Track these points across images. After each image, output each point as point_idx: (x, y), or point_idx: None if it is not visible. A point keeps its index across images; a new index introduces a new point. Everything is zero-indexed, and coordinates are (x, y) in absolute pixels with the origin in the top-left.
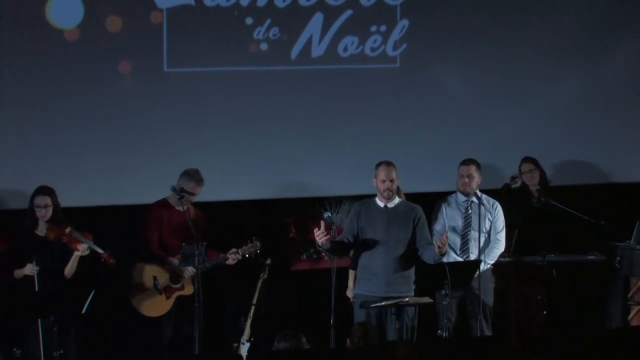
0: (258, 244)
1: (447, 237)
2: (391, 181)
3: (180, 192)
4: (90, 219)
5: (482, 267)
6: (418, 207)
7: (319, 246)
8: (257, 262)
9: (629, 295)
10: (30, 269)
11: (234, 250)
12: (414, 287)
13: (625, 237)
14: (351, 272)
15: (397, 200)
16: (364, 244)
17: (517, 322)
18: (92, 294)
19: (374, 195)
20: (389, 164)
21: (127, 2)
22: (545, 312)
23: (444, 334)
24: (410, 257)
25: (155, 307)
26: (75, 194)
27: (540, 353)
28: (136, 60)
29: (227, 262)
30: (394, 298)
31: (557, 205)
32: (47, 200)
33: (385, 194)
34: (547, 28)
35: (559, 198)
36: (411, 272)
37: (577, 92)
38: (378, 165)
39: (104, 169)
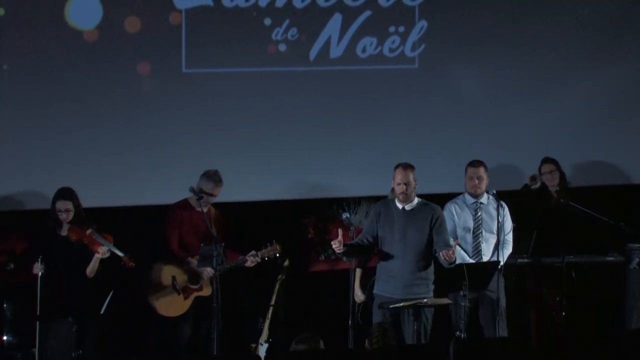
0: (277, 247)
1: (453, 252)
2: (406, 184)
3: (199, 192)
4: (110, 219)
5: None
6: (437, 207)
7: (338, 254)
8: (275, 264)
9: None
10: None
11: (253, 252)
12: (432, 287)
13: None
14: (358, 271)
15: (415, 201)
16: (382, 245)
17: (537, 323)
18: (110, 294)
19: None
20: (406, 166)
21: (145, 3)
22: (564, 313)
23: (463, 335)
24: (428, 258)
25: (173, 307)
26: (95, 194)
27: (560, 354)
28: (155, 61)
29: (246, 265)
30: (412, 300)
31: (576, 207)
32: (69, 204)
33: (401, 196)
34: (563, 29)
35: (578, 199)
36: (429, 274)
37: (594, 93)
38: (395, 167)
39: (123, 169)
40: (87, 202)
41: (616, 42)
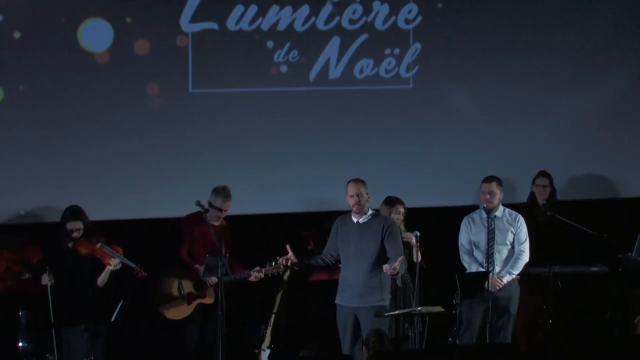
0: (281, 267)
1: (397, 265)
2: (358, 195)
3: (209, 207)
4: (120, 231)
5: (508, 277)
6: (388, 218)
7: (294, 267)
8: (277, 274)
9: (631, 305)
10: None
11: (257, 269)
12: (389, 296)
13: (626, 249)
14: None
15: (369, 214)
16: (341, 257)
17: (525, 329)
18: (120, 303)
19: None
20: (357, 180)
21: (154, 27)
22: (551, 320)
23: (456, 341)
24: (381, 268)
25: (176, 311)
26: (106, 208)
27: (547, 359)
28: (163, 82)
29: (249, 279)
30: (366, 309)
31: (562, 219)
32: (79, 224)
33: (355, 208)
34: (553, 49)
35: (564, 212)
36: (382, 282)
37: (581, 111)
38: (348, 182)
39: (132, 183)
40: (98, 214)
41: (605, 61)
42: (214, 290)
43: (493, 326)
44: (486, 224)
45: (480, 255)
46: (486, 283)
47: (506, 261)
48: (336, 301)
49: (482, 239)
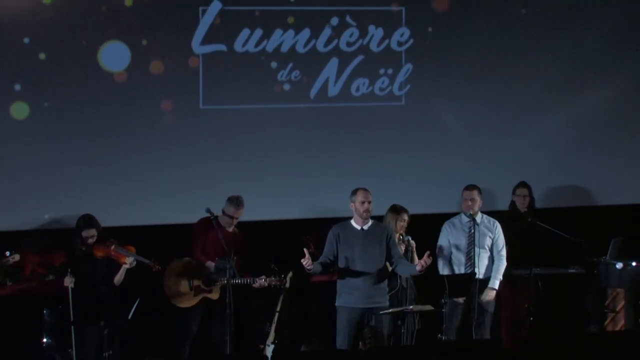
0: (284, 280)
1: (430, 260)
2: (369, 202)
3: (222, 213)
4: (135, 237)
5: (496, 283)
6: (388, 226)
7: (308, 270)
8: (281, 275)
9: (605, 304)
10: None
11: (263, 277)
12: (387, 296)
13: (601, 253)
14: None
15: (370, 222)
16: (344, 263)
17: (508, 327)
18: (137, 302)
19: (350, 218)
20: (366, 189)
21: (168, 49)
22: (532, 318)
23: (444, 338)
24: (385, 271)
25: (182, 299)
26: (122, 215)
27: (528, 354)
28: (176, 99)
29: (253, 285)
30: (373, 309)
31: (542, 225)
32: (93, 232)
33: (365, 214)
34: (535, 67)
35: (544, 219)
36: (385, 284)
37: (558, 126)
38: (356, 190)
39: (147, 193)
40: (115, 221)
41: (580, 80)
42: (221, 288)
43: (474, 323)
44: (467, 229)
45: (461, 257)
46: (472, 286)
47: (486, 265)
48: (340, 304)
49: (462, 243)
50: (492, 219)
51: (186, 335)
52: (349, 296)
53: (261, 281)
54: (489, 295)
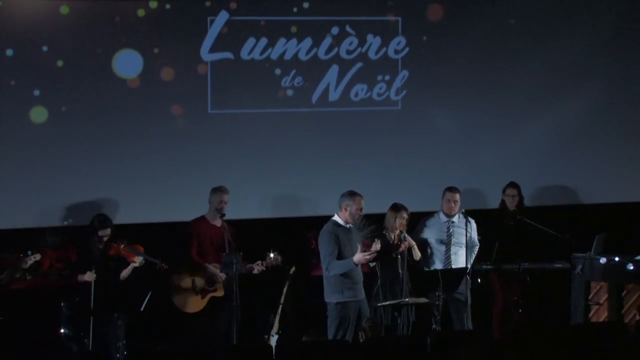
0: (279, 258)
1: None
2: (362, 209)
3: (209, 204)
4: (145, 233)
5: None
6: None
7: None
8: (284, 269)
9: (589, 297)
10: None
11: (259, 262)
12: None
13: (586, 249)
14: None
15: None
16: (344, 258)
17: (498, 318)
18: (149, 294)
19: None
20: (361, 195)
21: (178, 56)
22: (520, 310)
23: (438, 328)
24: None
25: (192, 305)
26: (134, 213)
27: (517, 344)
28: (185, 104)
29: (253, 272)
30: (365, 299)
31: (530, 223)
32: (108, 231)
33: (358, 219)
34: (521, 73)
35: (532, 216)
36: None
37: (546, 129)
38: (353, 195)
39: (158, 192)
40: (127, 218)
41: (568, 85)
42: (224, 284)
43: (454, 315)
44: (445, 228)
45: (439, 254)
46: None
47: (462, 261)
48: (345, 299)
49: (440, 240)
50: (467, 217)
51: (195, 332)
52: (351, 291)
53: (259, 266)
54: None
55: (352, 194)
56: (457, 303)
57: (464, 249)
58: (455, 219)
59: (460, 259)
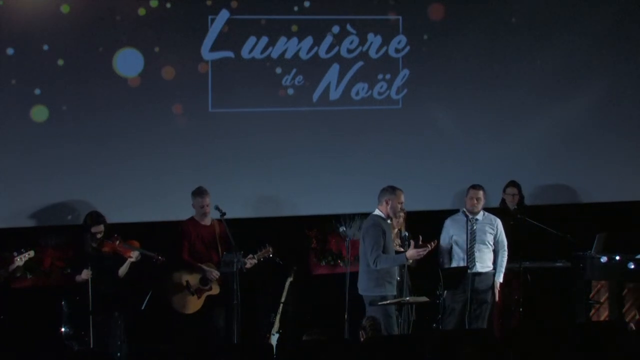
0: (270, 250)
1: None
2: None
3: (193, 207)
4: (143, 232)
5: (501, 276)
6: None
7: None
8: (285, 268)
9: (590, 296)
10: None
11: (250, 256)
12: None
13: (587, 247)
14: None
15: None
16: (386, 252)
17: (499, 317)
18: (149, 293)
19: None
20: (402, 190)
21: (178, 55)
22: (521, 309)
23: (439, 327)
24: None
25: (189, 305)
26: (134, 211)
27: (517, 343)
28: (186, 103)
29: (246, 266)
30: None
31: (530, 222)
32: (101, 227)
33: (399, 213)
34: (521, 72)
35: (532, 215)
36: None
37: (546, 128)
38: (394, 190)
39: (159, 190)
40: (128, 217)
41: (568, 84)
42: (220, 282)
43: (472, 314)
44: (467, 226)
45: (461, 253)
46: (466, 277)
47: (488, 260)
48: (386, 293)
49: (462, 239)
50: (492, 216)
51: (193, 330)
52: (391, 285)
53: (252, 260)
54: (497, 287)
55: (393, 189)
56: (481, 305)
57: (490, 247)
58: (479, 216)
59: (485, 258)
